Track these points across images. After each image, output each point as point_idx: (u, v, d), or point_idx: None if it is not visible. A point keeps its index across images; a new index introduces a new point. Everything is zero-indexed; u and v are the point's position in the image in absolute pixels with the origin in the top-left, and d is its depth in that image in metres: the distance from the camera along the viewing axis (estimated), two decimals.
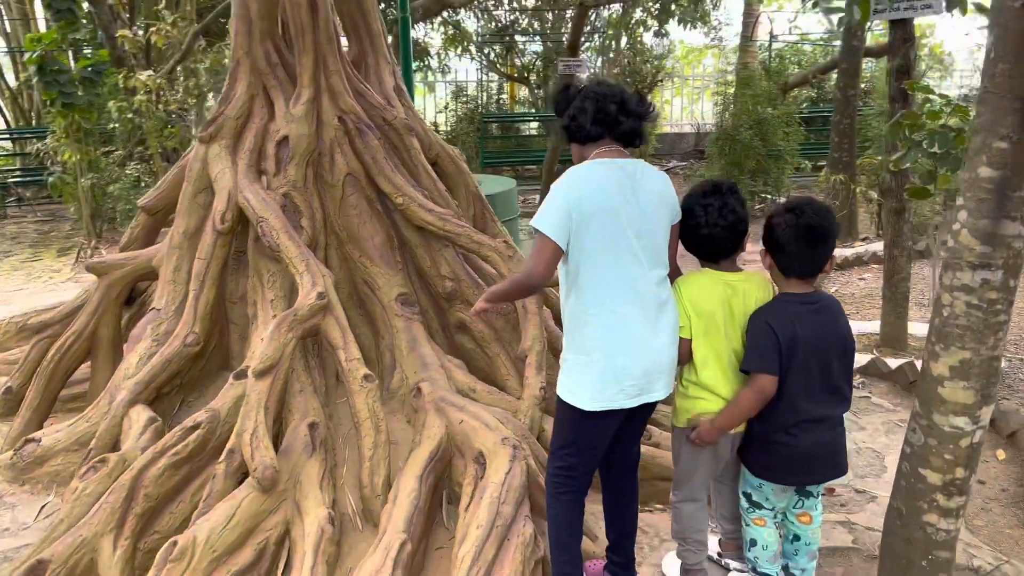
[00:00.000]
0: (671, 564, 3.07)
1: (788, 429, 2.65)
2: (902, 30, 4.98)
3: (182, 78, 11.77)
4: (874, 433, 4.39)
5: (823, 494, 2.97)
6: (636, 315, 2.56)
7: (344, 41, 4.72)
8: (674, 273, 2.79)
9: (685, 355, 2.75)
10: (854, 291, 7.53)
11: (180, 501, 3.23)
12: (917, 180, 4.50)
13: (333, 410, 3.77)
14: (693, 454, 2.81)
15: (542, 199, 10.12)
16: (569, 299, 2.65)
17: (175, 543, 2.71)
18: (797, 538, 2.87)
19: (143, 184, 9.96)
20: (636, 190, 2.62)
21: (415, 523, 2.99)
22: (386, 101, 4.65)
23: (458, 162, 4.97)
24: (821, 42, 17.29)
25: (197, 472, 3.32)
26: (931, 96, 4.32)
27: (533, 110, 17.32)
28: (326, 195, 4.36)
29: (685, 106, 22.23)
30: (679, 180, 15.18)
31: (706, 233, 2.70)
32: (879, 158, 9.65)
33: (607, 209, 2.56)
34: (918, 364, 5.20)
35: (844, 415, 2.79)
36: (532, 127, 16.79)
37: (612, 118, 2.63)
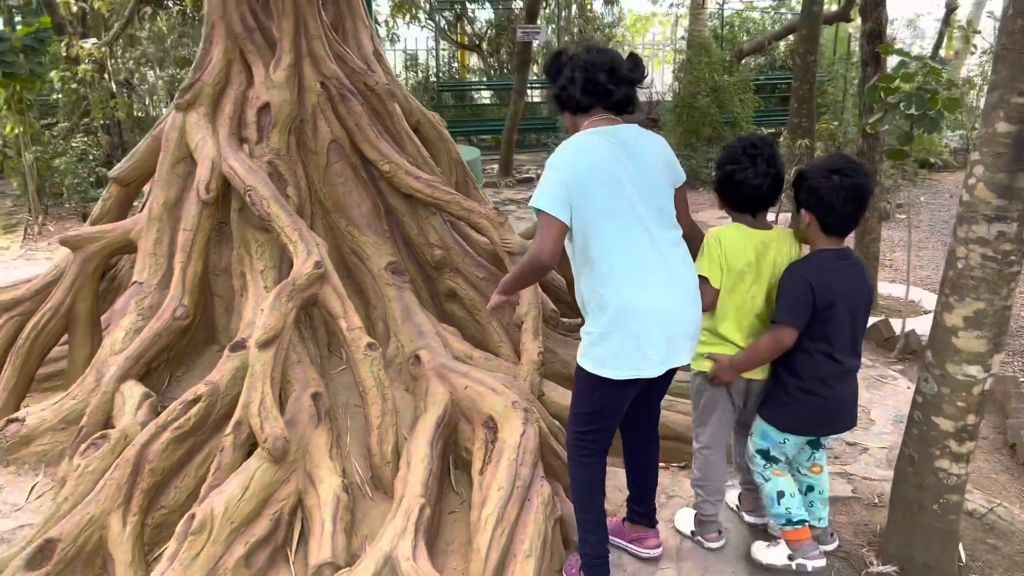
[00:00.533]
0: (684, 518, 3.14)
1: (827, 380, 2.71)
2: None
3: (122, 48, 11.40)
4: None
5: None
6: (653, 282, 2.54)
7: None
8: (691, 231, 2.82)
9: (710, 303, 2.77)
10: None
11: (184, 475, 3.19)
12: (895, 142, 4.61)
13: (329, 381, 3.74)
14: (710, 397, 2.90)
15: (500, 168, 10.19)
16: (582, 274, 2.64)
17: (193, 516, 2.68)
18: (811, 488, 2.95)
19: (91, 158, 9.65)
20: (632, 155, 2.58)
21: (430, 487, 3.00)
22: (366, 66, 4.58)
23: (439, 128, 4.94)
24: (770, 9, 17.48)
25: (200, 446, 3.27)
26: (906, 59, 4.42)
27: (485, 78, 17.18)
28: (310, 163, 4.30)
29: None
30: None
31: (756, 183, 2.72)
32: (835, 123, 9.89)
33: (606, 178, 2.53)
34: (893, 323, 5.38)
35: None
36: (485, 96, 16.66)
37: (602, 88, 2.59)
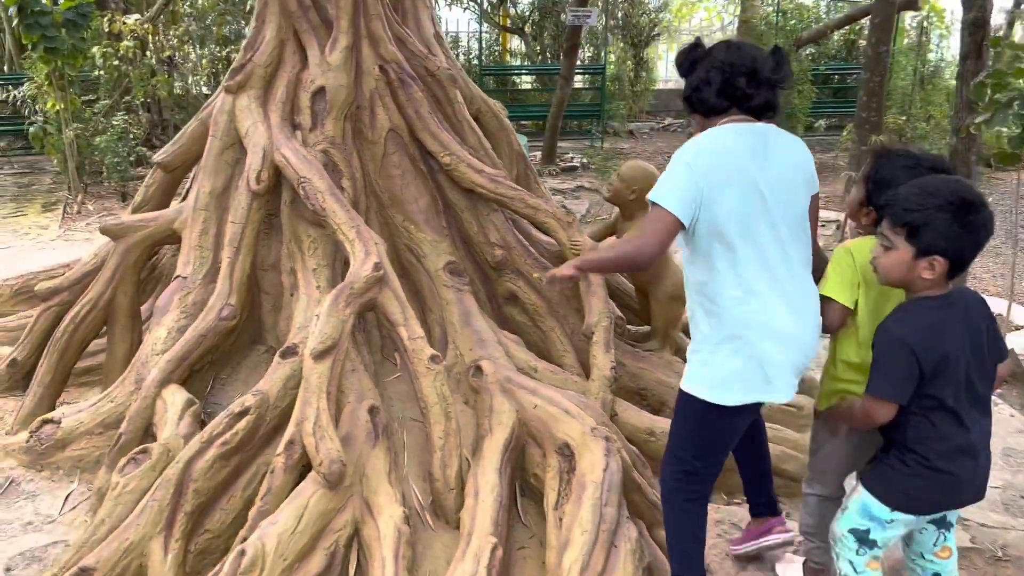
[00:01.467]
0: (789, 569, 2.82)
1: (950, 450, 2.21)
2: None
3: (164, 25, 11.20)
4: None
5: None
6: (781, 301, 2.28)
7: None
8: (815, 247, 2.49)
9: (837, 323, 2.43)
10: None
11: (231, 496, 2.92)
12: (1005, 145, 4.21)
13: (382, 390, 3.45)
14: (834, 444, 2.57)
15: (543, 155, 9.79)
16: (699, 283, 2.37)
17: (243, 552, 2.41)
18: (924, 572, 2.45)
19: (131, 136, 9.46)
20: (771, 157, 2.35)
21: (501, 523, 2.71)
22: (427, 49, 4.26)
23: (501, 117, 4.62)
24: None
25: (247, 463, 3.00)
26: (1021, 53, 4.02)
27: (527, 62, 16.78)
28: (366, 153, 4.00)
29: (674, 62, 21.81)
30: (681, 138, 14.85)
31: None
32: (902, 118, 9.41)
33: (742, 179, 2.28)
34: None
35: None
36: (526, 80, 16.27)
37: (741, 92, 2.36)
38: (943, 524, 2.38)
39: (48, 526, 3.15)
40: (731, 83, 2.34)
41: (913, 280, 2.17)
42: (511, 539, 2.90)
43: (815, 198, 2.48)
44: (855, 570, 2.36)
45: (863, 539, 2.34)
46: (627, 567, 2.46)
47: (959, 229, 2.08)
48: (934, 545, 2.40)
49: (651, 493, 2.93)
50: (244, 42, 4.20)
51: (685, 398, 2.39)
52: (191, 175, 4.45)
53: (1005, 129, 4.03)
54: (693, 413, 2.38)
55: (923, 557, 2.43)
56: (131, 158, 9.39)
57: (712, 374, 2.32)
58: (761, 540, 2.90)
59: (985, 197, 2.19)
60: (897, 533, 2.37)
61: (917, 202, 2.11)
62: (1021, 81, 3.97)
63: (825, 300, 2.41)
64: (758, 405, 2.38)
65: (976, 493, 2.32)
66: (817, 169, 2.56)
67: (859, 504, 2.34)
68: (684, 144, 2.37)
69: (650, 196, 2.32)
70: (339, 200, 3.50)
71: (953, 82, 11.07)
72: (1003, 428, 3.88)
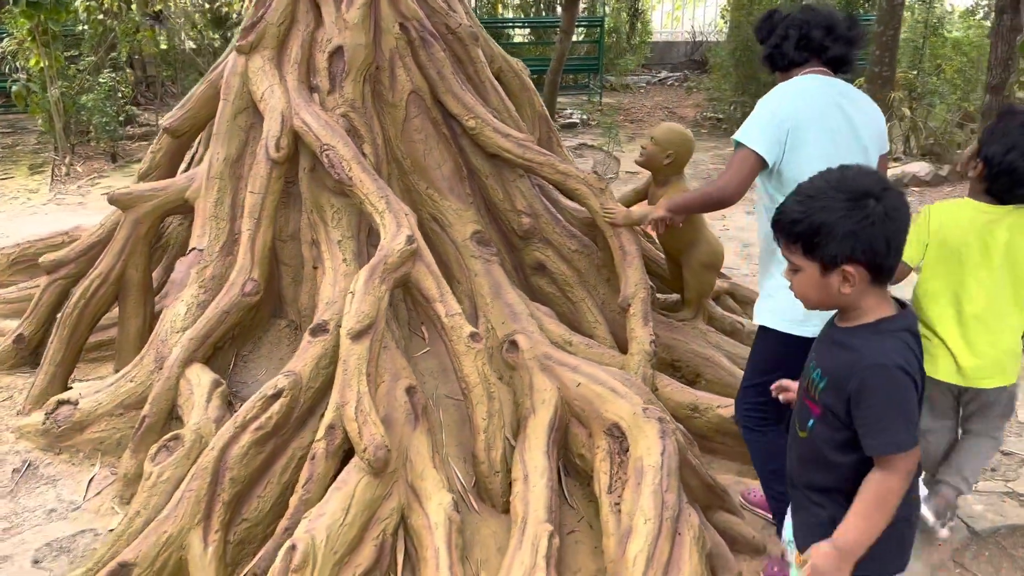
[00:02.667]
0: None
1: (910, 504, 1.85)
2: None
3: None
4: None
5: None
6: None
7: None
8: None
9: (896, 276, 2.40)
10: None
11: (268, 482, 2.81)
12: None
13: (413, 367, 3.33)
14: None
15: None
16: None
17: (293, 547, 2.30)
18: None
19: (119, 95, 9.16)
20: (849, 110, 2.50)
21: (554, 508, 2.62)
22: (447, 5, 4.06)
23: (523, 76, 4.44)
24: None
25: (282, 447, 2.89)
26: None
27: (520, 15, 16.41)
28: (386, 117, 3.82)
29: (669, 11, 21.34)
30: (679, 93, 14.61)
31: None
32: (912, 72, 9.24)
33: (824, 126, 2.44)
34: None
35: None
36: (521, 34, 15.92)
37: (818, 44, 2.52)
38: None
39: (73, 514, 3.03)
40: (808, 36, 2.50)
41: (839, 300, 1.79)
42: (561, 523, 2.82)
43: (883, 158, 2.61)
44: None
45: None
46: (692, 556, 2.38)
47: (857, 225, 1.69)
48: None
49: (705, 475, 2.84)
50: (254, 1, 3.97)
51: (764, 332, 2.57)
52: (199, 140, 4.29)
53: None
54: (770, 344, 2.54)
55: None
56: (120, 117, 9.10)
57: (787, 306, 2.36)
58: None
59: (885, 178, 1.84)
60: None
61: (800, 210, 1.77)
62: None
63: None
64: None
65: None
66: None
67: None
68: (769, 92, 2.52)
69: (735, 137, 2.47)
70: (366, 169, 3.34)
71: (958, 34, 10.92)
72: None
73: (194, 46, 11.28)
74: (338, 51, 3.67)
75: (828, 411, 1.78)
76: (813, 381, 1.85)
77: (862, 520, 1.69)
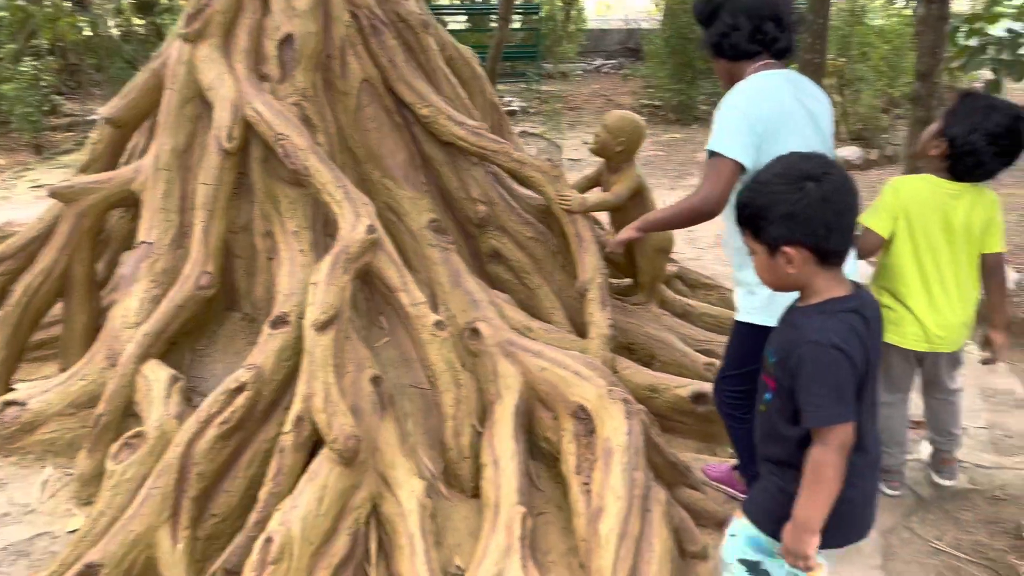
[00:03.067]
0: None
1: (863, 472, 1.92)
2: None
3: None
4: None
5: None
6: None
7: None
8: None
9: (868, 250, 2.68)
10: None
11: (234, 477, 2.78)
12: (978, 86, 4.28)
13: (375, 357, 3.33)
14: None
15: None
16: None
17: (269, 540, 2.29)
18: None
19: (42, 84, 8.82)
20: (809, 106, 2.53)
21: (525, 491, 2.66)
22: None
23: (473, 64, 4.45)
24: None
25: (247, 441, 2.85)
26: None
27: (459, 2, 16.33)
28: (338, 106, 3.78)
29: (604, 1, 21.57)
30: (615, 80, 14.76)
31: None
32: (842, 59, 9.53)
33: (792, 126, 2.45)
34: None
35: None
36: (458, 21, 15.85)
37: (771, 36, 2.52)
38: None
39: (28, 516, 2.95)
40: (762, 29, 2.48)
41: (789, 280, 1.86)
42: (531, 507, 2.86)
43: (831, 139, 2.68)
44: None
45: (754, 571, 2.04)
46: (662, 531, 2.46)
47: (793, 207, 1.75)
48: None
49: (668, 453, 2.92)
50: None
51: (741, 327, 2.64)
52: (141, 133, 4.17)
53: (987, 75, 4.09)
54: (748, 337, 2.55)
55: None
56: (43, 107, 8.77)
57: (766, 301, 2.47)
58: (735, 492, 3.08)
59: (831, 162, 1.85)
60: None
61: (747, 196, 1.86)
62: (995, 27, 4.02)
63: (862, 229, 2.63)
64: None
65: (866, 526, 2.00)
66: None
67: (745, 534, 2.03)
68: (735, 91, 2.48)
69: (709, 147, 2.44)
70: (322, 159, 3.31)
71: (882, 22, 11.28)
72: (977, 369, 4.02)
73: (119, 32, 10.93)
74: (288, 39, 3.61)
75: (780, 386, 1.88)
76: (767, 358, 1.95)
77: (806, 493, 1.79)
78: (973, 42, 4.03)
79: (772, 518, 1.92)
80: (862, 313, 1.83)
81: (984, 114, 2.55)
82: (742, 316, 2.66)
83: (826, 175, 1.78)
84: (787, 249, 1.78)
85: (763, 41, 2.50)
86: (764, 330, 2.50)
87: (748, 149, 2.39)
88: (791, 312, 1.96)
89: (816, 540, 1.80)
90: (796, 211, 1.75)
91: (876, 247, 2.71)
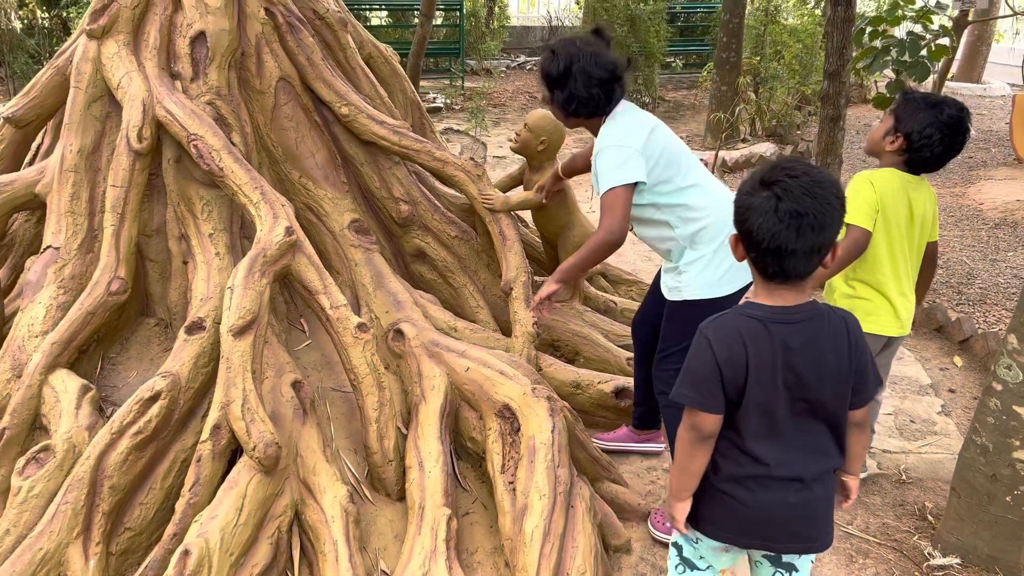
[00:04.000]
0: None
1: (742, 481, 1.90)
2: None
3: None
4: None
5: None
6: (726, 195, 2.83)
7: None
8: None
9: (862, 246, 2.77)
10: None
11: (150, 488, 2.70)
12: (883, 89, 4.44)
13: (295, 360, 3.28)
14: None
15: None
16: (664, 221, 2.80)
17: (187, 552, 2.23)
18: None
19: None
20: (665, 126, 2.88)
21: (451, 493, 2.66)
22: None
23: (393, 63, 4.41)
24: None
25: (163, 451, 2.77)
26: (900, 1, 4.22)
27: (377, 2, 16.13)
28: (254, 105, 3.71)
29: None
30: (533, 78, 14.82)
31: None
32: (757, 58, 9.78)
33: (662, 140, 2.76)
34: None
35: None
36: (380, 16, 15.67)
37: (619, 91, 2.80)
38: (779, 563, 2.02)
39: None
40: (611, 90, 2.76)
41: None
42: (456, 509, 2.86)
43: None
44: None
45: (680, 553, 2.11)
46: (585, 526, 2.48)
47: (746, 216, 1.77)
48: None
49: (592, 448, 2.96)
50: None
51: (684, 306, 2.75)
52: (45, 131, 4.01)
53: (878, 72, 4.25)
54: (691, 315, 2.47)
55: None
56: None
57: (707, 277, 2.73)
58: (644, 446, 3.32)
59: (786, 181, 1.73)
60: (711, 557, 2.07)
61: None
62: (897, 29, 4.18)
63: (849, 227, 2.72)
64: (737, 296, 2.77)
65: (797, 537, 1.94)
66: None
67: None
68: (606, 136, 2.76)
69: (607, 186, 2.64)
70: (237, 159, 3.24)
71: (794, 21, 11.62)
72: None
73: (19, 26, 10.46)
74: (200, 36, 3.52)
75: None
76: None
77: (673, 465, 1.98)
78: (877, 43, 4.16)
79: (693, 506, 1.97)
80: (765, 324, 1.80)
81: (936, 109, 2.71)
82: (673, 296, 2.82)
83: (767, 185, 1.74)
84: (731, 238, 1.87)
85: (612, 97, 2.76)
86: (697, 304, 2.71)
87: (638, 169, 2.64)
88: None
89: (680, 506, 1.93)
90: (736, 209, 1.83)
91: (866, 243, 2.77)
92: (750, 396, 1.82)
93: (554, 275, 2.92)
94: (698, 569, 2.08)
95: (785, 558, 2.01)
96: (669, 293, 2.85)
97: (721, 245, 2.72)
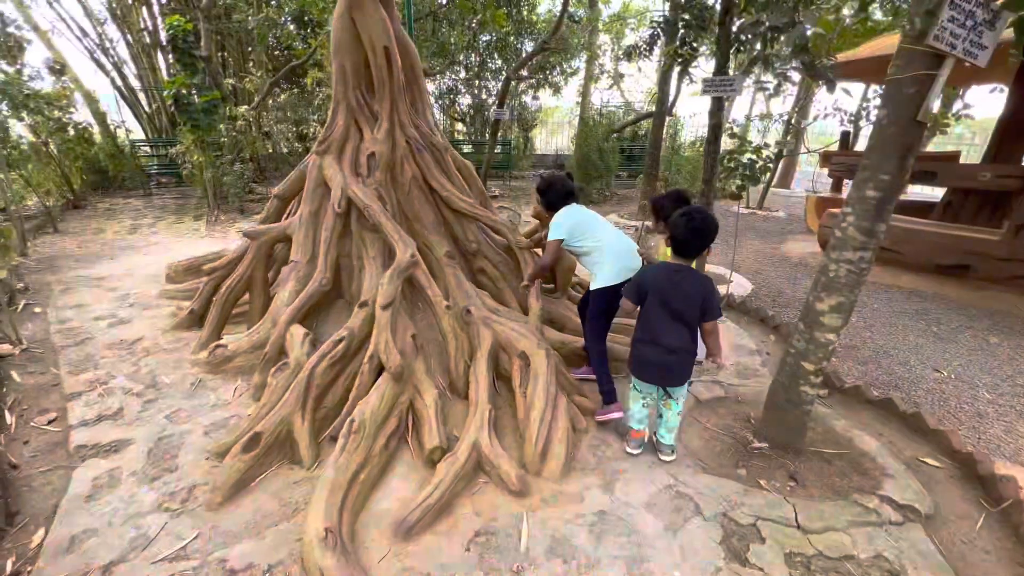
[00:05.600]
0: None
1: (639, 342, 2.24)
2: (718, 102, 4.69)
3: (259, 111, 10.18)
4: None
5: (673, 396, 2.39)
6: (619, 249, 2.74)
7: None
8: None
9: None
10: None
11: (336, 387, 2.71)
12: (734, 188, 4.30)
13: (415, 324, 3.26)
14: None
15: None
16: (581, 254, 2.79)
17: (352, 420, 2.24)
18: (660, 416, 2.43)
19: (244, 177, 8.62)
20: (589, 212, 2.88)
21: (491, 397, 2.62)
22: (431, 131, 3.98)
23: (471, 170, 4.37)
24: (622, 107, 16.90)
25: (343, 368, 2.79)
26: (744, 140, 4.09)
27: (466, 138, 16.19)
28: (398, 190, 3.72)
29: (545, 139, 21.46)
30: None
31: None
32: (667, 172, 9.56)
33: (584, 219, 2.82)
34: (720, 288, 5.14)
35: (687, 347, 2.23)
36: (466, 148, 15.72)
37: (572, 196, 2.90)
38: (667, 390, 2.32)
39: (226, 407, 2.86)
40: (567, 197, 2.88)
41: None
42: (495, 405, 2.83)
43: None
44: (630, 398, 2.44)
45: (633, 386, 2.40)
46: (563, 418, 2.44)
47: (675, 225, 2.14)
48: (661, 398, 2.38)
49: (569, 376, 2.90)
50: (325, 125, 3.80)
51: (594, 294, 2.69)
52: (294, 203, 4.07)
53: (738, 182, 4.11)
54: (603, 298, 2.64)
55: (660, 403, 2.41)
56: (246, 189, 8.57)
57: (603, 278, 2.69)
58: (614, 414, 3.06)
59: (704, 212, 2.15)
60: (643, 387, 2.33)
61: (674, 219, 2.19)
62: (743, 158, 4.04)
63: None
64: (620, 286, 2.64)
65: (663, 377, 2.23)
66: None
67: None
68: (556, 217, 2.81)
69: (550, 237, 2.75)
70: (388, 217, 3.26)
71: (688, 153, 11.37)
72: (731, 332, 4.03)
73: (286, 150, 10.73)
74: (372, 154, 3.56)
75: None
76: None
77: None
78: (731, 165, 4.03)
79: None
80: (667, 271, 2.16)
81: (670, 199, 2.79)
82: (592, 287, 2.77)
83: (692, 215, 2.09)
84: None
85: (567, 200, 2.88)
86: (600, 291, 2.70)
87: (563, 231, 2.77)
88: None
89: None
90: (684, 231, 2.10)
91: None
92: (649, 300, 2.16)
93: (527, 277, 3.15)
94: (640, 392, 2.35)
95: (668, 389, 2.29)
96: (595, 284, 2.76)
97: (608, 263, 2.67)
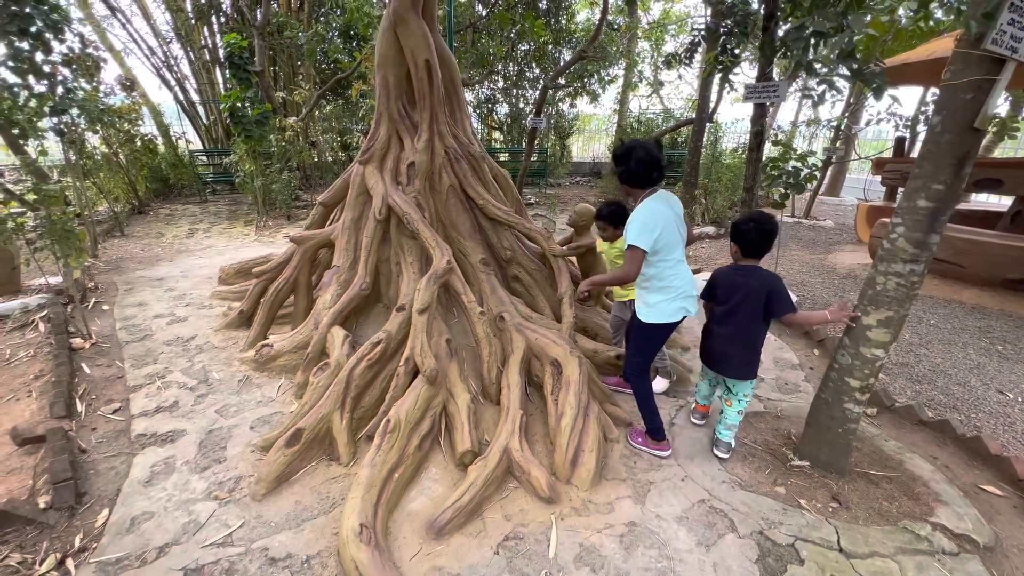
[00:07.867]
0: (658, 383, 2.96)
1: (705, 331, 2.46)
2: (761, 108, 4.58)
3: (307, 122, 10.65)
4: None
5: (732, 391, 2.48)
6: (687, 277, 2.48)
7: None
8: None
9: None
10: (702, 254, 7.30)
11: (373, 388, 2.80)
12: (776, 197, 4.18)
13: (449, 329, 3.33)
14: None
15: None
16: (650, 274, 2.42)
17: (388, 420, 2.31)
18: (722, 411, 2.54)
19: (292, 185, 9.03)
20: (676, 210, 2.45)
21: (523, 403, 2.64)
22: (469, 140, 4.07)
23: (507, 178, 4.43)
24: (660, 115, 16.67)
25: (381, 370, 2.88)
26: (789, 148, 3.97)
27: (505, 146, 16.36)
28: (436, 198, 3.82)
29: (582, 147, 21.41)
30: (586, 188, 14.66)
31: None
32: (705, 180, 9.36)
33: (669, 224, 2.38)
34: None
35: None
36: (503, 157, 15.89)
37: (658, 174, 2.39)
38: (726, 384, 2.46)
39: (271, 403, 3.00)
40: (655, 168, 2.36)
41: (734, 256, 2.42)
42: (526, 411, 2.85)
43: (689, 230, 2.60)
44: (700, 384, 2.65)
45: (703, 367, 2.57)
46: (595, 426, 2.43)
47: (742, 229, 2.33)
48: (722, 395, 2.52)
49: (601, 384, 2.89)
50: (368, 135, 3.96)
51: (642, 326, 2.44)
52: (337, 209, 4.25)
53: (781, 190, 3.99)
54: (646, 333, 2.40)
55: (721, 398, 2.54)
56: (292, 196, 8.98)
57: (660, 311, 2.40)
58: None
59: (768, 215, 2.31)
60: (706, 371, 2.55)
61: (742, 223, 2.34)
62: (787, 165, 3.92)
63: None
64: (678, 323, 2.43)
65: (720, 364, 2.39)
66: None
67: None
68: (636, 209, 2.35)
69: (629, 241, 2.28)
70: (426, 224, 3.36)
71: (729, 160, 11.08)
72: (772, 346, 3.91)
73: (331, 159, 11.18)
74: (411, 164, 3.67)
75: None
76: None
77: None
78: (775, 173, 3.92)
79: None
80: (736, 270, 2.37)
81: (608, 208, 2.90)
82: (649, 319, 2.46)
83: (761, 220, 2.29)
84: (732, 244, 2.37)
85: (651, 177, 2.37)
86: (663, 327, 2.41)
87: (649, 241, 2.29)
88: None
89: None
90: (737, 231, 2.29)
91: None
92: (718, 296, 2.32)
93: (586, 282, 2.65)
94: (704, 375, 2.55)
95: (727, 383, 2.43)
96: (646, 317, 2.44)
97: (674, 291, 2.36)
